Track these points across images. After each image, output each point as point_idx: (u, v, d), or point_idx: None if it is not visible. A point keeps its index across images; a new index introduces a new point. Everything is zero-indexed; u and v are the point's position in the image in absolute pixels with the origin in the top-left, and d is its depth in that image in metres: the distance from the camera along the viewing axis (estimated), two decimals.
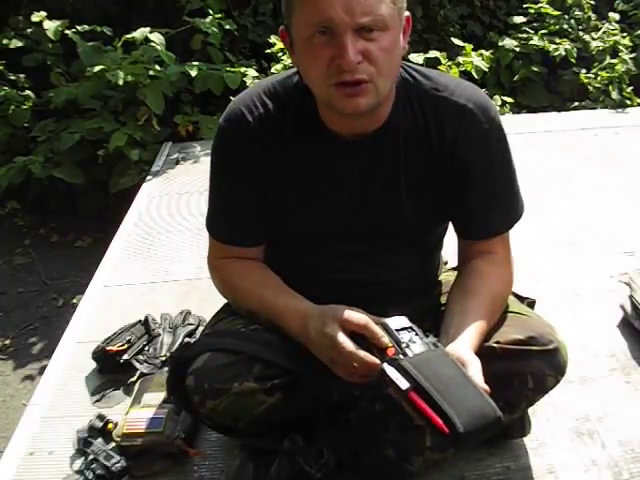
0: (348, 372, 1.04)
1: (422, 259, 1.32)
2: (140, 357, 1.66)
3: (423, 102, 1.14)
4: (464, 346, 1.03)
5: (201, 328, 1.71)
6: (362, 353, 1.01)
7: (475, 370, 0.97)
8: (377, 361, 0.99)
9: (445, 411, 0.88)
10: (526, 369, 1.14)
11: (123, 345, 1.66)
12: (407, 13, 1.07)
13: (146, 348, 1.68)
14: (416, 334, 0.99)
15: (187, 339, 1.69)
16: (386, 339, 1.00)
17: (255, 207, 1.21)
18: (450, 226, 1.30)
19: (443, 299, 1.28)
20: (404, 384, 0.91)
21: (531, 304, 1.34)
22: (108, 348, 1.65)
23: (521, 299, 1.32)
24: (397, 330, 1.00)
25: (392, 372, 0.94)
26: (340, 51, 1.00)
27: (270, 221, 1.22)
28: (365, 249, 1.22)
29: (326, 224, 1.21)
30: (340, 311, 1.06)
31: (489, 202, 1.19)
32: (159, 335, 1.71)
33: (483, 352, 1.13)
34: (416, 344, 0.98)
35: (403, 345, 0.97)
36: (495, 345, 1.14)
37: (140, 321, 1.76)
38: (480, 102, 1.15)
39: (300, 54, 1.07)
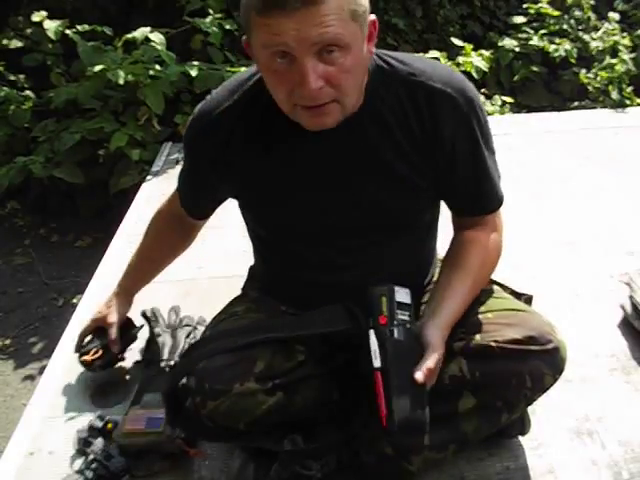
0: None
1: (411, 253, 1.31)
2: (140, 357, 1.65)
3: (400, 88, 1.13)
4: (436, 329, 1.09)
5: (201, 328, 1.71)
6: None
7: (432, 357, 1.04)
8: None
9: (392, 408, 0.97)
10: (524, 369, 1.14)
11: (97, 351, 1.57)
12: (372, 17, 1.04)
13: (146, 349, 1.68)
14: (409, 316, 1.05)
15: (187, 339, 1.69)
16: (384, 306, 1.05)
17: (207, 195, 1.32)
18: (443, 217, 1.30)
19: None
20: (377, 362, 1.00)
21: (528, 300, 1.34)
22: (82, 359, 1.58)
23: (518, 296, 1.32)
24: (398, 303, 1.05)
25: (373, 343, 1.02)
26: (301, 78, 0.98)
27: (253, 214, 1.28)
28: (351, 243, 1.22)
29: (311, 216, 1.20)
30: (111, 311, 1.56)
31: (479, 182, 1.20)
32: (159, 335, 1.70)
33: (482, 351, 1.14)
34: (406, 328, 1.04)
35: (395, 322, 1.03)
36: (493, 344, 1.14)
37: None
38: (457, 85, 1.14)
39: (263, 74, 1.07)
